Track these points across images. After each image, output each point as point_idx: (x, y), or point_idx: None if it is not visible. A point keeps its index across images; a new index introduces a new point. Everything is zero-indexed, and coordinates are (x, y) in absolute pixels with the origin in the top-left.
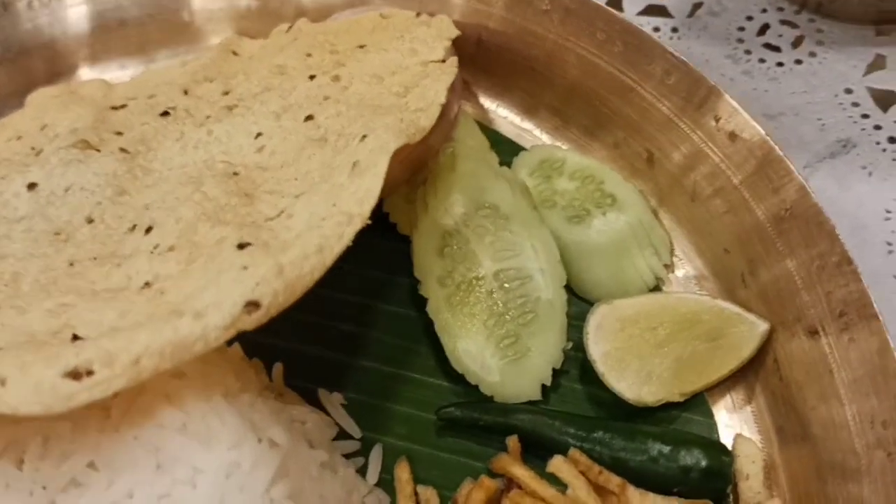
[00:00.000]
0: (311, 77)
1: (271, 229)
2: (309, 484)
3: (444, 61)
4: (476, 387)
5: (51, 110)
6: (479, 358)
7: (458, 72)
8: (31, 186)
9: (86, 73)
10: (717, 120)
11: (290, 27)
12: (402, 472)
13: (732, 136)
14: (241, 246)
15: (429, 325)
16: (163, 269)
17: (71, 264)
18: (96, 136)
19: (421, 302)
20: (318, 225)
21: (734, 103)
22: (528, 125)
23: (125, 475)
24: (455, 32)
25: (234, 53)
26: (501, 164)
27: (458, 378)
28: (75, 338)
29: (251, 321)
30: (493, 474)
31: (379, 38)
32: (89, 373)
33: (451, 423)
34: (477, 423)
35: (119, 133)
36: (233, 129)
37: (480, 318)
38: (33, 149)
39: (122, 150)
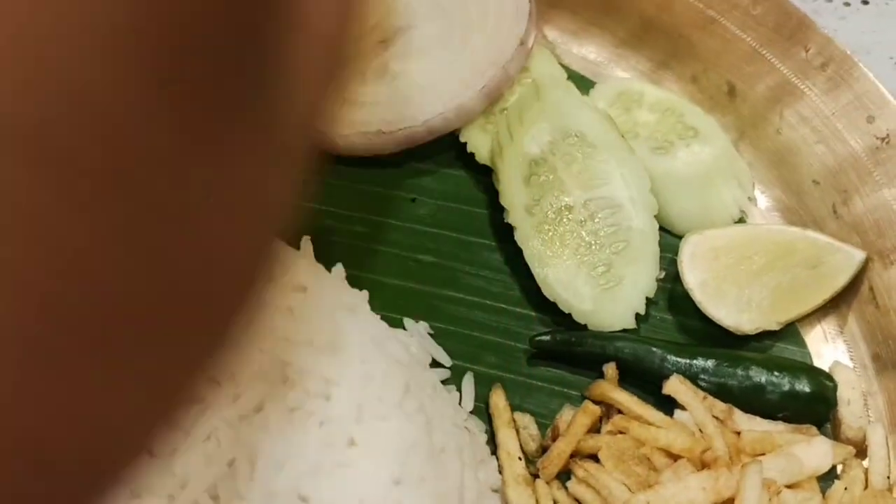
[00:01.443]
0: None
1: None
2: (428, 402)
3: None
4: (566, 316)
5: None
6: (572, 286)
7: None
8: None
9: None
10: (808, 50)
11: None
12: (499, 399)
13: (824, 66)
14: None
15: (511, 255)
16: None
17: None
18: None
19: (502, 233)
20: None
21: (826, 33)
22: (599, 59)
23: (252, 388)
24: None
25: None
26: None
27: (545, 308)
28: None
29: None
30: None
31: None
32: None
33: (544, 351)
34: (572, 350)
35: None
36: None
37: (571, 246)
38: None
39: None
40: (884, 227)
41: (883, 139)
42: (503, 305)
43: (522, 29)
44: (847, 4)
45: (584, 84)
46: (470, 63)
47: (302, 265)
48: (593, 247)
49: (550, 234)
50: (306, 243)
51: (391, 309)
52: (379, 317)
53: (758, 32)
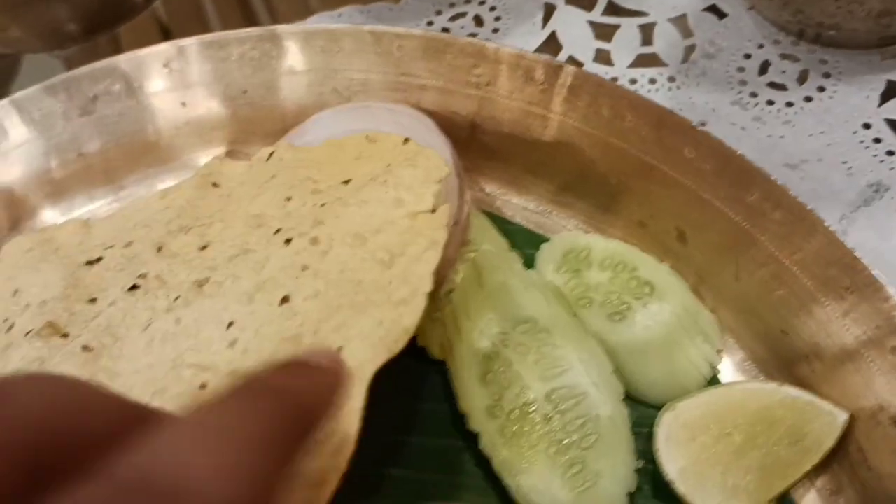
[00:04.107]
0: (288, 241)
1: None
2: None
3: (433, 211)
4: None
5: (23, 269)
6: (548, 493)
7: (460, 164)
8: None
9: (50, 213)
10: (754, 195)
11: (272, 154)
12: None
13: (774, 209)
14: None
15: (480, 455)
16: None
17: None
18: (66, 310)
19: (464, 430)
20: None
21: (771, 177)
22: (541, 208)
23: None
24: (444, 172)
25: (215, 185)
26: (524, 263)
27: None
28: None
29: None
30: None
31: (364, 170)
32: None
33: None
34: None
35: (93, 301)
36: (202, 315)
37: (540, 447)
38: (6, 323)
39: (87, 345)
40: (863, 383)
41: (846, 289)
42: None
43: (454, 207)
44: (790, 104)
45: (530, 240)
46: None
47: None
48: (563, 444)
49: (516, 437)
50: None
51: None
52: None
53: (700, 177)
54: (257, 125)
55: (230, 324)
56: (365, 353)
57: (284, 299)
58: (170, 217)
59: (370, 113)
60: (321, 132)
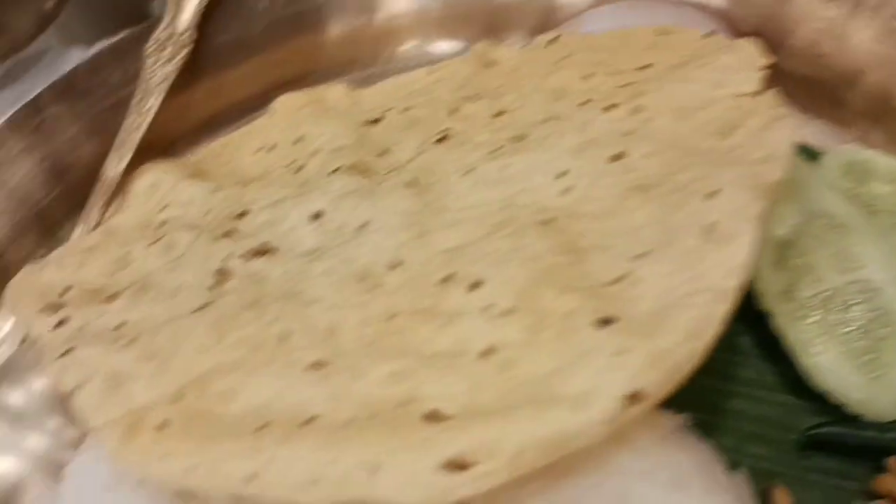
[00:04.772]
0: (607, 108)
1: (619, 299)
2: None
3: (757, 94)
4: (827, 404)
5: (302, 121)
6: (841, 375)
7: None
8: (317, 216)
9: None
10: None
11: (551, 40)
12: (782, 499)
13: None
14: (603, 322)
15: (760, 338)
16: (503, 335)
17: (391, 318)
18: (365, 157)
19: (746, 314)
20: (681, 302)
21: None
22: (813, 124)
23: None
24: (764, 60)
25: (489, 64)
26: None
27: (805, 394)
28: (432, 417)
29: (630, 414)
30: (869, 497)
31: (662, 58)
32: (470, 464)
33: (817, 442)
34: (849, 442)
35: (385, 152)
36: (529, 164)
37: (833, 333)
38: (293, 164)
39: (410, 183)
40: None
41: None
42: (762, 392)
43: None
44: None
45: (805, 152)
46: None
47: None
48: (856, 334)
49: (811, 321)
50: None
51: None
52: None
53: None
54: (513, 19)
55: (561, 173)
56: (742, 197)
57: (616, 156)
58: (451, 87)
59: (651, 9)
60: (600, 24)
